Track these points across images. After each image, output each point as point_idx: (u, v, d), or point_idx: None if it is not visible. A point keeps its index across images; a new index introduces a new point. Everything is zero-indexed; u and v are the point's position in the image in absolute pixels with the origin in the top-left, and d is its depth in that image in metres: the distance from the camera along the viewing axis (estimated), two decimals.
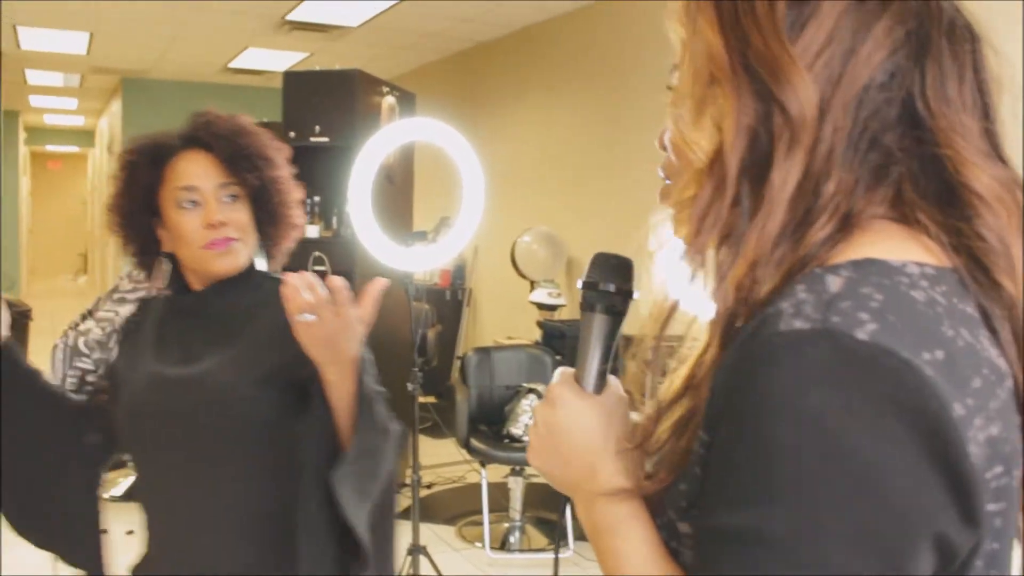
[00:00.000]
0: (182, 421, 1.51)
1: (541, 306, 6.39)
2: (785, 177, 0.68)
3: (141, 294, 5.17)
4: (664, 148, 0.81)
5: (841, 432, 0.60)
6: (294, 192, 1.67)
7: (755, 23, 0.68)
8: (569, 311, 6.51)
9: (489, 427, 4.78)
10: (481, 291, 8.01)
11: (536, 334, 6.24)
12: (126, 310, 5.40)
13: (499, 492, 4.77)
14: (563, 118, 6.90)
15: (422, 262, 5.64)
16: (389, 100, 4.73)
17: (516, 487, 4.68)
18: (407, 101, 5.10)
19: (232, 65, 9.49)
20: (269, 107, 8.65)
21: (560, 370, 0.87)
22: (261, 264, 1.69)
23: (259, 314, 1.56)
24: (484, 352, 4.98)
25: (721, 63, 0.69)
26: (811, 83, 0.67)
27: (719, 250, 0.71)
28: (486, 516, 4.54)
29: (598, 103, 6.37)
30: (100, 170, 15.28)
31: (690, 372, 0.77)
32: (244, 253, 1.58)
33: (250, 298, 1.59)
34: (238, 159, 1.57)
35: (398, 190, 5.21)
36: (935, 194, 0.71)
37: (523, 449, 4.53)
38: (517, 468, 4.63)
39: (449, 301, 7.78)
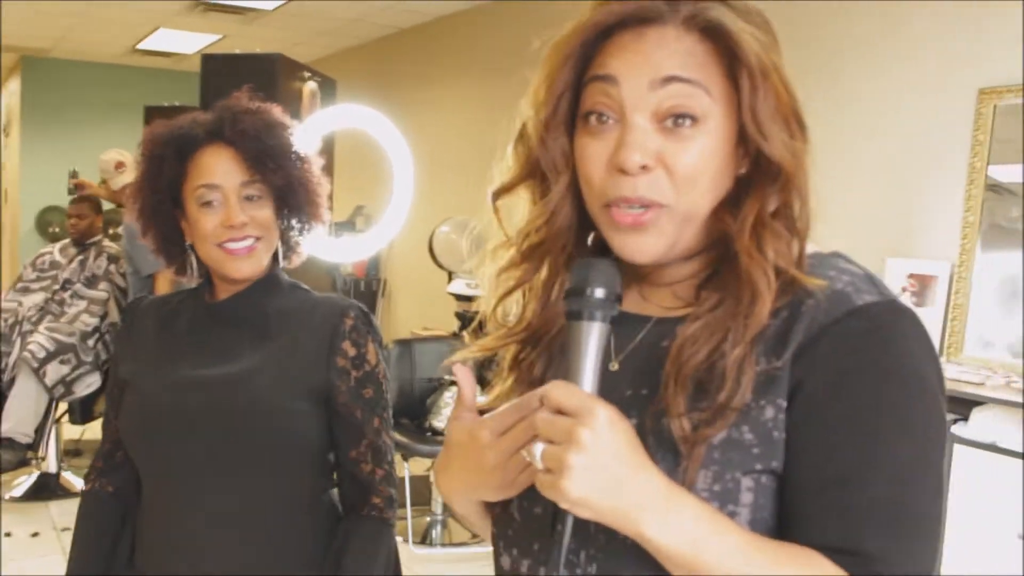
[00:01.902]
0: (209, 420, 1.50)
1: (459, 297, 6.36)
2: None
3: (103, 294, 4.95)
4: (642, 168, 0.85)
5: (939, 382, 0.83)
6: (319, 189, 1.64)
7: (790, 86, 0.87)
8: (488, 302, 6.49)
9: (411, 420, 4.71)
10: (396, 281, 7.93)
11: (454, 325, 6.20)
12: (30, 300, 5.17)
13: (421, 485, 4.73)
14: (481, 108, 6.86)
15: (351, 252, 5.54)
16: (311, 86, 4.61)
17: None
18: (328, 87, 4.99)
19: (141, 46, 9.18)
20: (180, 90, 8.42)
21: (565, 383, 0.79)
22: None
23: (291, 325, 1.57)
24: (405, 344, 4.91)
25: (796, 109, 0.86)
26: None
27: (757, 236, 0.85)
28: (408, 510, 4.49)
29: (516, 94, 6.34)
30: None
31: (713, 347, 0.82)
32: (265, 254, 1.58)
33: (275, 304, 1.59)
34: (264, 158, 1.55)
35: None
36: None
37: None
38: None
39: (364, 291, 7.69)
